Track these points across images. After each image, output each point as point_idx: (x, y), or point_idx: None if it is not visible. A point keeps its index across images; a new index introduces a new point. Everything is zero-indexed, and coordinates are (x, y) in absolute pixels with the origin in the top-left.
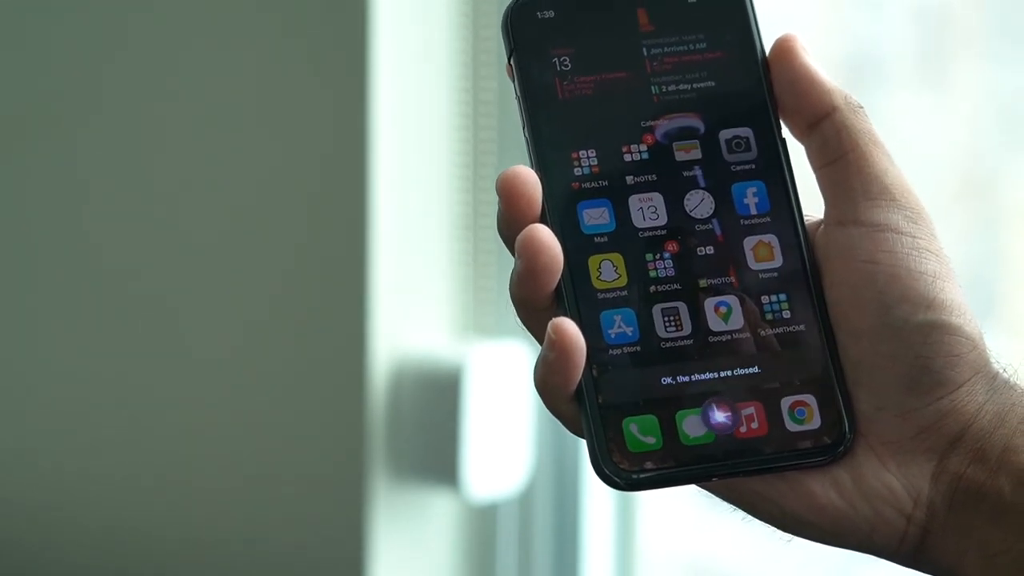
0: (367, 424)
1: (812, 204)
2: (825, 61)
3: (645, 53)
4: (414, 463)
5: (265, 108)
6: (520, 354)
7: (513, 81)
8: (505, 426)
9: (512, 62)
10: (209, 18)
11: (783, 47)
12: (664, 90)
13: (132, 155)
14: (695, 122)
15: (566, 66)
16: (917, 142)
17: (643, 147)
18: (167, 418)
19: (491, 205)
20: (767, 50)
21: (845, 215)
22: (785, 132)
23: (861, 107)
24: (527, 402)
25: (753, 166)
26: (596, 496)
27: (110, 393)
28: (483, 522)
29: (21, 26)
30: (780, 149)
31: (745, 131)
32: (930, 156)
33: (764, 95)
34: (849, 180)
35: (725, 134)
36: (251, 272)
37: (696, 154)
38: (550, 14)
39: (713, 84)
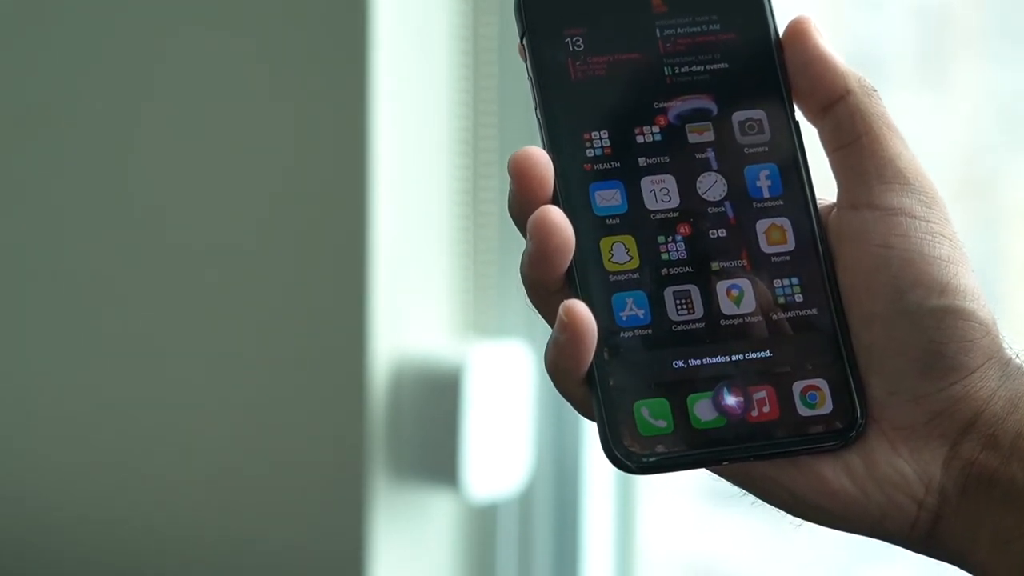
0: (367, 424)
1: (825, 187)
2: None
3: (658, 34)
4: (414, 463)
5: (264, 108)
6: (520, 354)
7: (525, 62)
8: (505, 426)
9: (524, 43)
10: (209, 17)
11: (797, 29)
12: (677, 71)
13: (132, 155)
14: (708, 104)
15: (579, 47)
16: (917, 142)
17: (656, 129)
18: (167, 417)
19: (491, 204)
20: (780, 32)
21: (858, 198)
22: (798, 115)
23: (875, 90)
24: (527, 402)
25: (766, 148)
26: (596, 496)
27: (110, 393)
28: (483, 522)
29: (17, 23)
30: (793, 132)
31: (758, 113)
32: (930, 156)
33: (777, 77)
34: (863, 163)
35: (738, 116)
36: (251, 272)
37: (709, 136)
38: None
39: (726, 66)
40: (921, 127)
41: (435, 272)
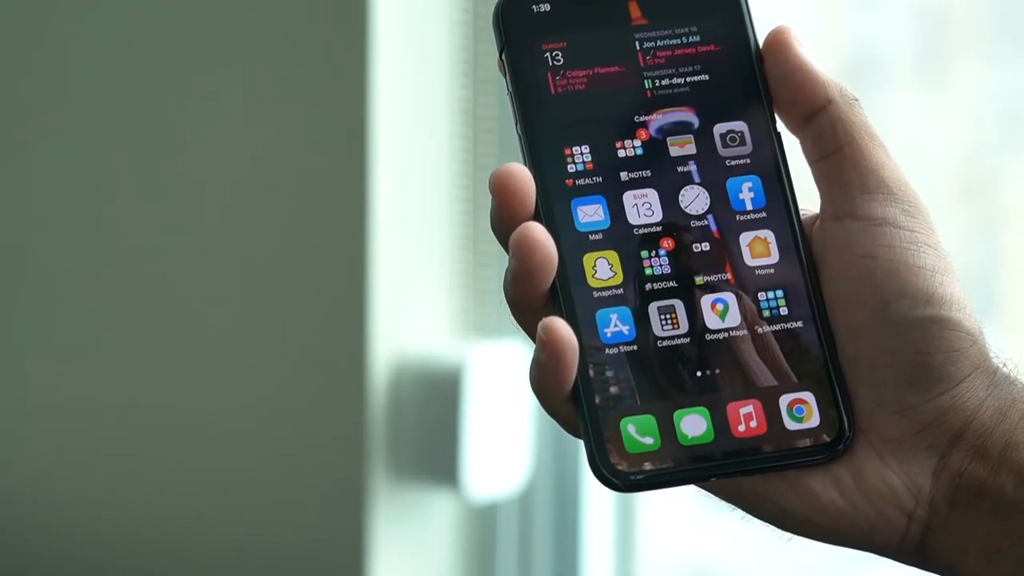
0: (367, 424)
1: (808, 199)
2: (825, 61)
3: (638, 47)
4: (414, 463)
5: (265, 108)
6: (520, 354)
7: (505, 76)
8: (505, 426)
9: (503, 57)
10: (209, 18)
11: (777, 39)
12: (657, 84)
13: (132, 155)
14: (689, 116)
15: (558, 61)
16: (917, 142)
17: (637, 142)
18: (167, 417)
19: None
20: (761, 43)
21: (842, 209)
22: (780, 126)
23: (856, 100)
24: (527, 402)
25: (748, 161)
26: (596, 496)
27: (110, 393)
28: (483, 522)
29: (26, 25)
30: (775, 143)
31: (740, 125)
32: (930, 156)
33: (758, 89)
34: (845, 174)
35: (720, 128)
36: (251, 272)
37: (691, 149)
38: (542, 8)
39: (707, 78)
40: (921, 127)
41: (435, 272)
